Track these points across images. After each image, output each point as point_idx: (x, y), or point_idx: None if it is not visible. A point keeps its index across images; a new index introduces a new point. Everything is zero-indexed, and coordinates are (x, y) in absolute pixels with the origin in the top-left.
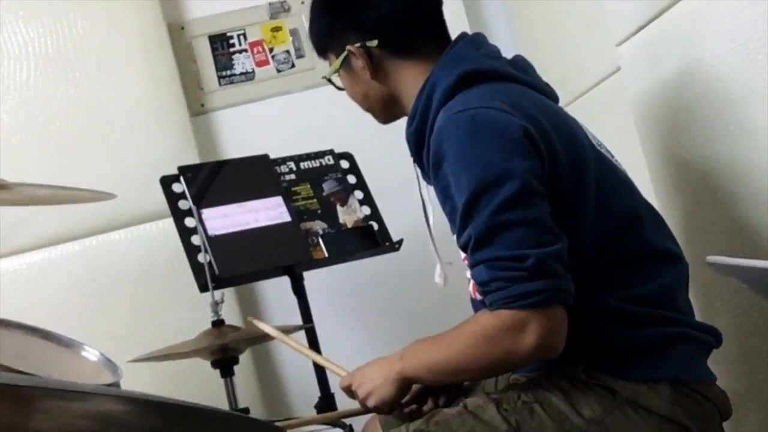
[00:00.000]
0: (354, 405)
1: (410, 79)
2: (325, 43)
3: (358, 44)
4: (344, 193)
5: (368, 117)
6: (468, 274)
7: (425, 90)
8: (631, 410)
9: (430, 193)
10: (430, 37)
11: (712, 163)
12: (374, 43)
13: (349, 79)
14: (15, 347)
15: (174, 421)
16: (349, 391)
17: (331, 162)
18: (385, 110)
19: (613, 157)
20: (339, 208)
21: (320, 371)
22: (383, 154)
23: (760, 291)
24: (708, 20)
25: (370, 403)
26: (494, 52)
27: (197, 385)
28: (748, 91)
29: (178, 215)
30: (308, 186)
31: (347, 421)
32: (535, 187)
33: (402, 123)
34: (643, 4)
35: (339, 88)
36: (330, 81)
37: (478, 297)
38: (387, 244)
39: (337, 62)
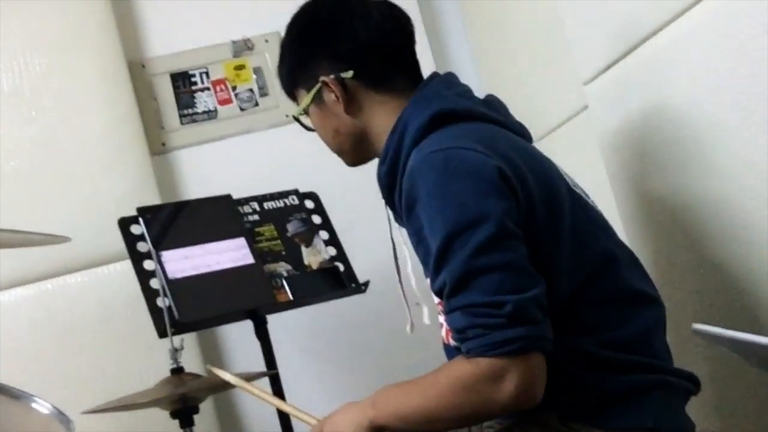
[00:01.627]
0: None
1: (383, 115)
2: (297, 76)
3: (332, 75)
4: (309, 233)
5: (334, 155)
6: (441, 318)
7: (398, 129)
8: None
9: (402, 234)
10: (404, 71)
11: (683, 201)
12: (349, 74)
13: (320, 114)
14: None
15: None
16: None
17: (296, 202)
18: (355, 148)
19: (588, 197)
20: (304, 249)
21: (285, 420)
22: (348, 193)
23: (749, 360)
24: (676, 59)
25: None
26: (467, 92)
27: None
28: (718, 129)
29: (137, 258)
30: (272, 227)
31: None
32: (511, 229)
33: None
34: (610, 43)
35: (308, 128)
36: (298, 120)
37: (452, 343)
38: (353, 285)
39: (309, 96)
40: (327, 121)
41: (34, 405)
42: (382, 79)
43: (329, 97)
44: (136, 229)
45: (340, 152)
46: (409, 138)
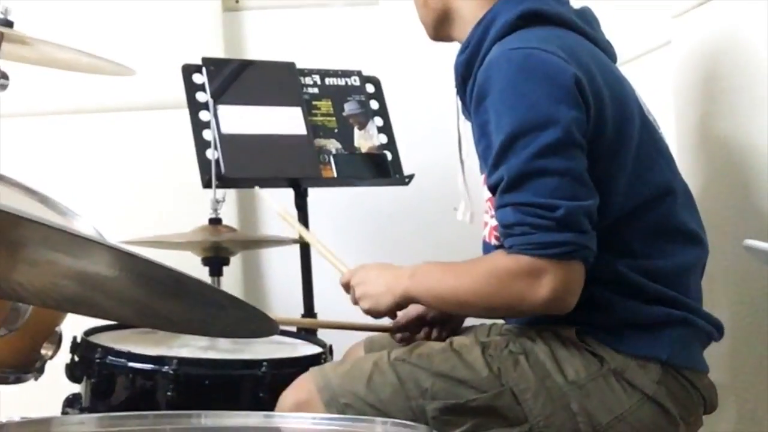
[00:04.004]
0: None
1: (473, 3)
2: None
3: None
4: (364, 117)
5: (405, 46)
6: (485, 217)
7: (484, 21)
8: (615, 381)
9: (466, 128)
10: None
11: (742, 147)
12: None
13: None
14: (11, 205)
15: (161, 295)
16: (347, 287)
17: (357, 83)
18: (436, 26)
19: (659, 128)
20: (356, 131)
21: (307, 290)
22: (410, 87)
23: None
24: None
25: (363, 305)
26: None
27: None
28: None
29: (194, 106)
30: (329, 103)
31: (327, 341)
32: (576, 138)
33: (439, 59)
34: None
35: None
36: None
37: (494, 242)
38: (397, 176)
39: None
40: None
41: (77, 224)
42: None
43: None
44: (198, 78)
45: (423, 23)
46: (494, 32)
